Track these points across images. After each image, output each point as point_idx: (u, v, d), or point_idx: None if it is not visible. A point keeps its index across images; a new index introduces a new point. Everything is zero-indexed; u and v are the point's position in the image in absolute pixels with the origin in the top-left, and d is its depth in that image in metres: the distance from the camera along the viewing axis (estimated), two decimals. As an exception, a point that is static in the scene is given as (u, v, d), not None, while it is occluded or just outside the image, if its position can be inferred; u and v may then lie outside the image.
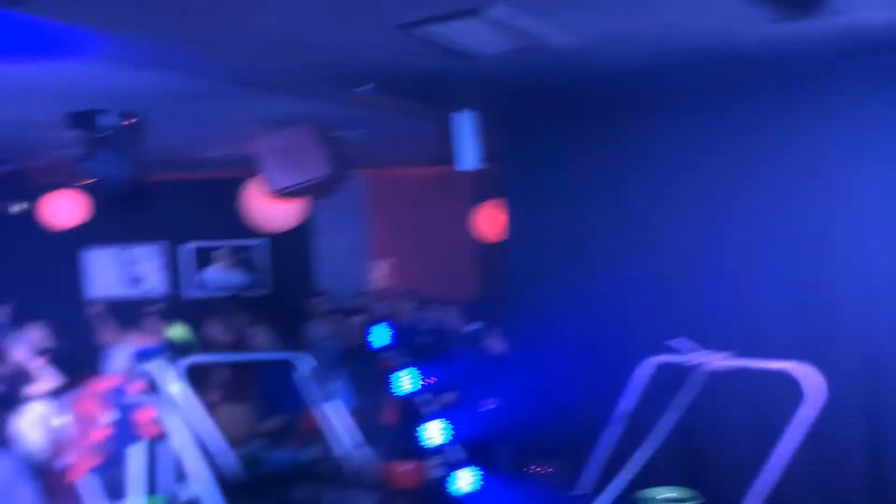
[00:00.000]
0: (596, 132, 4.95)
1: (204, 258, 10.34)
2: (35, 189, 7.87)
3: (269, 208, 6.29)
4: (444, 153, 7.01)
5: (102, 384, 3.76)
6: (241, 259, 10.28)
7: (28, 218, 7.86)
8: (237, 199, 6.74)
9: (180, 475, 4.62)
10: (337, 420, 5.25)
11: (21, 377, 5.52)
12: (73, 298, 8.88)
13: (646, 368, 4.31)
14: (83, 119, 4.64)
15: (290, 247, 9.61)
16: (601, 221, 4.95)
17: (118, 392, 3.72)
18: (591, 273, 4.96)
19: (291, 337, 7.38)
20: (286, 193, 5.42)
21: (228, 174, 7.60)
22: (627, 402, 4.50)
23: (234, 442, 5.49)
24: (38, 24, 3.40)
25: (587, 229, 5.00)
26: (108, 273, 10.30)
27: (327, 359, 5.29)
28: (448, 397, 5.52)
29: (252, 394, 6.35)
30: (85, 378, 6.71)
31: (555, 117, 5.01)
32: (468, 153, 4.66)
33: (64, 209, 7.95)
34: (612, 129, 4.91)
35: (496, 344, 5.94)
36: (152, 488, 4.38)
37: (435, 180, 9.02)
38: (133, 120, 4.77)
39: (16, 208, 7.24)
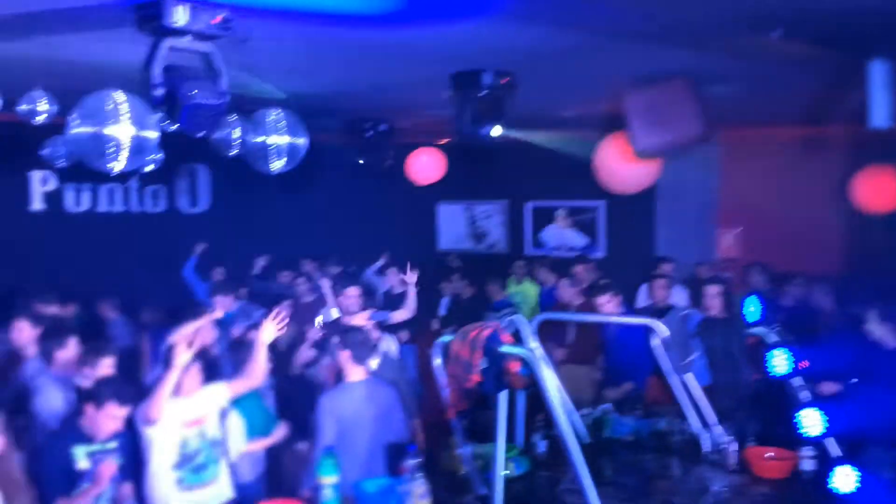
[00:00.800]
0: None
1: (542, 218, 10.57)
2: (402, 146, 8.58)
3: (623, 169, 6.11)
4: (822, 110, 6.26)
5: (478, 330, 3.90)
6: (580, 220, 10.33)
7: (396, 173, 8.61)
8: (581, 159, 6.69)
9: (531, 428, 4.74)
10: (690, 393, 4.97)
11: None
12: (429, 248, 9.64)
13: None
14: (464, 79, 4.85)
15: (630, 210, 9.41)
16: None
17: (492, 339, 3.84)
18: None
19: (629, 302, 7.22)
20: (650, 152, 5.19)
21: (577, 133, 7.59)
22: None
23: (577, 403, 5.49)
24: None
25: None
26: (456, 227, 11.02)
27: (682, 328, 5.01)
28: (827, 386, 4.94)
29: (598, 357, 6.32)
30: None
31: None
32: (882, 108, 4.01)
33: (424, 165, 8.55)
34: None
35: (880, 329, 5.17)
36: (510, 437, 4.52)
37: (801, 141, 8.14)
38: (507, 79, 4.88)
39: (387, 163, 7.93)
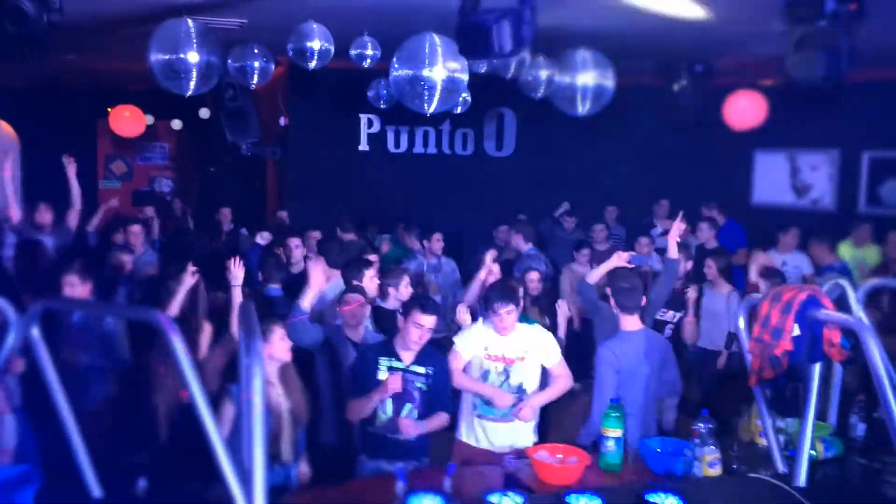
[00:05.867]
0: None
1: (883, 171, 9.18)
2: (717, 89, 7.94)
3: None
4: None
5: (794, 292, 3.47)
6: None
7: (709, 118, 8.01)
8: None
9: (848, 407, 4.18)
10: None
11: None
12: (741, 201, 8.91)
13: None
14: (802, 8, 4.23)
15: None
16: None
17: (810, 304, 3.40)
18: None
19: None
20: None
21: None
22: None
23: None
24: None
25: None
26: (775, 179, 10.01)
27: None
28: None
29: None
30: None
31: None
32: None
33: (743, 109, 7.85)
34: None
35: None
36: (822, 415, 4.03)
37: None
38: (854, 5, 4.17)
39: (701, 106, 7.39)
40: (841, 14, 4.21)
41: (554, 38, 5.71)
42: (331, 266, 5.38)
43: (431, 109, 4.86)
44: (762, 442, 3.91)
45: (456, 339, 4.29)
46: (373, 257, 5.77)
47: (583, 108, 5.96)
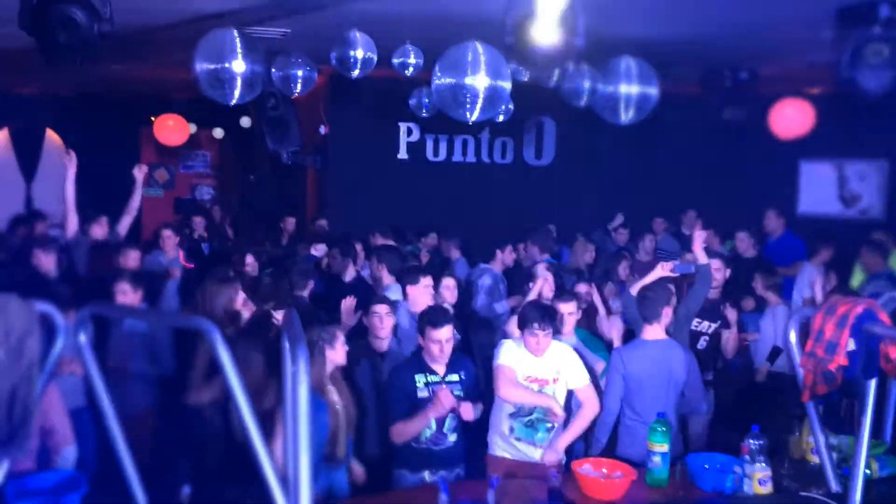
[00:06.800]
0: None
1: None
2: (763, 97, 7.80)
3: None
4: None
5: (849, 305, 3.36)
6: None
7: (754, 126, 7.87)
8: None
9: None
10: None
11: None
12: (787, 211, 8.69)
13: None
14: (855, 14, 4.11)
15: None
16: None
17: (866, 318, 3.29)
18: None
19: None
20: None
21: None
22: None
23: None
24: None
25: None
26: (822, 189, 9.80)
27: None
28: None
29: None
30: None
31: None
32: None
33: (789, 118, 7.70)
34: None
35: None
36: (877, 433, 3.90)
37: None
38: (909, 11, 4.05)
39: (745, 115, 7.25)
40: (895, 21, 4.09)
41: (597, 46, 5.64)
42: (391, 273, 5.47)
43: (474, 118, 4.82)
44: (814, 459, 3.80)
45: (500, 358, 4.14)
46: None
47: (626, 116, 5.87)
